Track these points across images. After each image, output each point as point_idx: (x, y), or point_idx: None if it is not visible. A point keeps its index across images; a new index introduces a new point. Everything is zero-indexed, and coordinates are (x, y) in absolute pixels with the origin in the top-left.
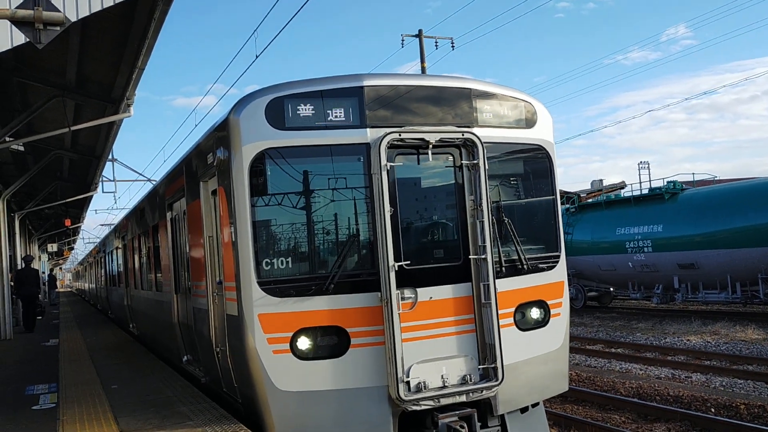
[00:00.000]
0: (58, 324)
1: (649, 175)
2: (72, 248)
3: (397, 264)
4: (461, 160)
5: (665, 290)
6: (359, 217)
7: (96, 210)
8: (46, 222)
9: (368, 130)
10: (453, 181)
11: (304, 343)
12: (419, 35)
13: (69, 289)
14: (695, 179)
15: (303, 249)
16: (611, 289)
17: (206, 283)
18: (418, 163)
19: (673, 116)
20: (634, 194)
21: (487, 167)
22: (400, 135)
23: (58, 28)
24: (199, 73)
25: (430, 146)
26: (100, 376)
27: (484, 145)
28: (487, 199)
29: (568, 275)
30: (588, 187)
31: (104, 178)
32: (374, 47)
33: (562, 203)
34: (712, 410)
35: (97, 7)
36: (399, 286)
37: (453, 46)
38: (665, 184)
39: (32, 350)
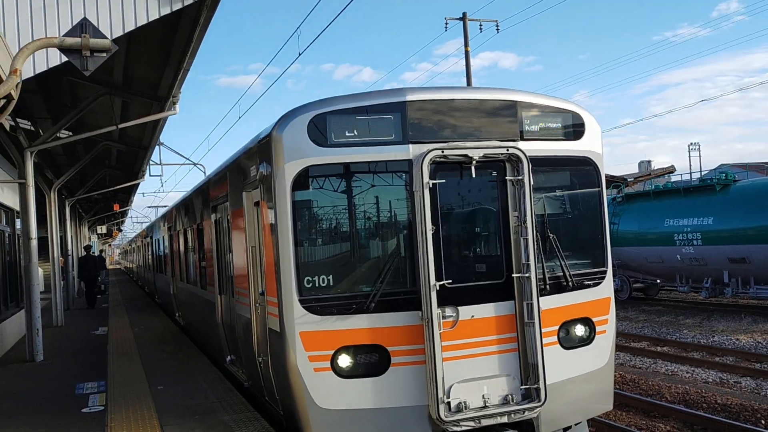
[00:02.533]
0: (107, 309)
1: (700, 157)
2: (120, 230)
3: (438, 283)
4: (505, 175)
5: (714, 284)
6: (400, 235)
7: (143, 193)
8: (96, 205)
9: (410, 146)
10: (496, 197)
11: (344, 361)
12: (463, 18)
13: (117, 266)
14: (748, 166)
15: (344, 267)
16: (658, 281)
17: (249, 291)
18: (461, 179)
19: (723, 95)
20: (683, 185)
21: (532, 182)
22: (443, 152)
23: (104, 55)
24: (244, 52)
25: (474, 162)
26: (147, 374)
27: (530, 159)
28: (531, 215)
29: (614, 266)
30: (635, 168)
31: (151, 162)
32: (417, 32)
33: (607, 189)
34: (762, 422)
35: (142, 21)
36: (440, 304)
37: (498, 29)
38: (716, 174)
39: (82, 339)
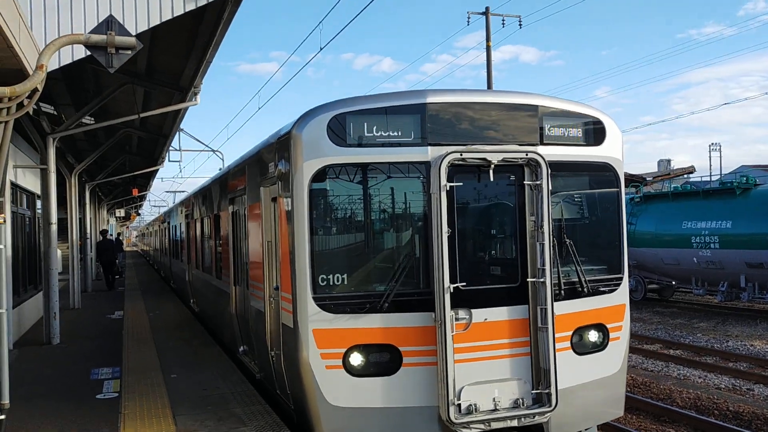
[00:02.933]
0: (123, 292)
1: (720, 158)
2: (138, 213)
3: (452, 286)
4: (524, 179)
5: (730, 288)
6: (416, 236)
7: (162, 178)
8: (115, 189)
9: (429, 148)
10: (514, 201)
11: (356, 359)
12: (486, 13)
13: (134, 248)
14: None
15: (359, 267)
16: (673, 282)
17: (264, 285)
18: (479, 182)
19: (747, 95)
20: (703, 187)
21: (550, 187)
22: (461, 155)
23: (129, 52)
24: (265, 39)
25: (492, 166)
26: (161, 361)
27: (549, 163)
28: (548, 220)
29: (630, 266)
30: (654, 166)
31: (171, 148)
32: (438, 24)
33: (626, 188)
34: None
35: (167, 16)
36: (454, 306)
37: (520, 24)
38: (737, 177)
39: (98, 323)
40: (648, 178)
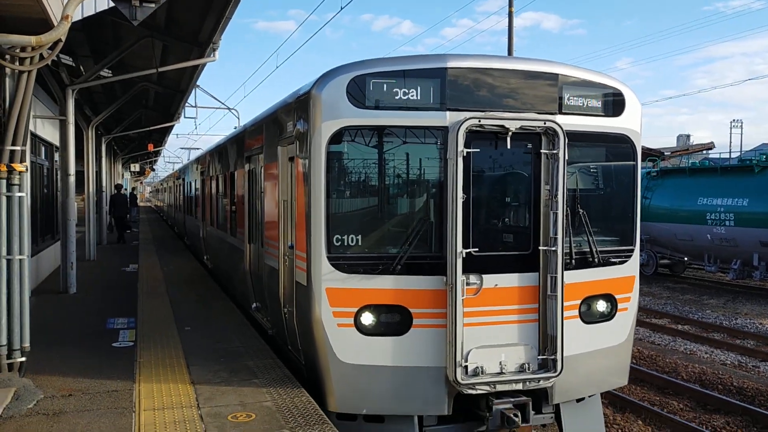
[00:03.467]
0: (137, 246)
1: (741, 135)
2: (153, 169)
3: (465, 251)
4: (541, 147)
5: (743, 266)
6: (431, 200)
7: (177, 134)
8: (131, 144)
9: (448, 113)
10: (530, 169)
11: (367, 319)
12: None
13: (148, 204)
14: None
15: (373, 228)
16: (685, 258)
17: (278, 243)
18: (496, 149)
19: None
20: (721, 163)
21: (566, 157)
22: (479, 121)
23: (153, 5)
24: None
25: (510, 133)
26: (175, 315)
27: (567, 133)
28: (563, 190)
29: (642, 241)
30: (673, 141)
31: (187, 105)
32: None
33: (643, 162)
34: None
35: None
36: (465, 271)
37: None
38: (756, 155)
39: (113, 275)
40: (666, 153)
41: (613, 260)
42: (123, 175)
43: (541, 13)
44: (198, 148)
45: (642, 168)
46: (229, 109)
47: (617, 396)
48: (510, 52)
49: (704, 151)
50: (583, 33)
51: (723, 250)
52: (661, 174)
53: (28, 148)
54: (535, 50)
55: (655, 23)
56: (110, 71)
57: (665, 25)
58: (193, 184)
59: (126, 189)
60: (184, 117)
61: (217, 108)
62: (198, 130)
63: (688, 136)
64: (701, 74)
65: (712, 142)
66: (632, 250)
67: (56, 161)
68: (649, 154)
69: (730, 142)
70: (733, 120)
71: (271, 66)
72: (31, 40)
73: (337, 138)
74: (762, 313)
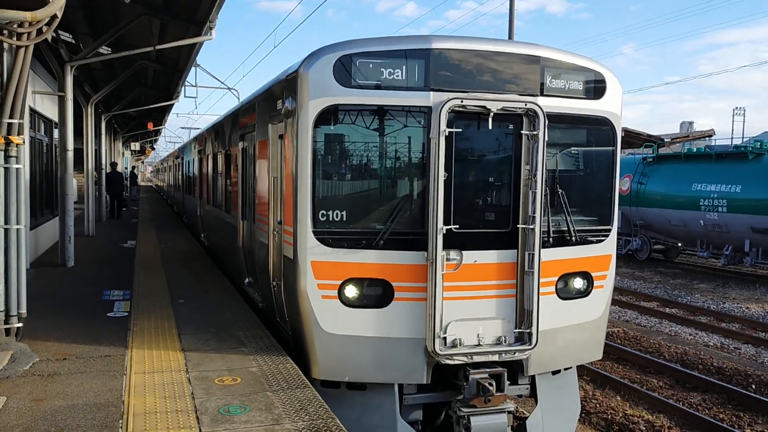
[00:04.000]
0: (136, 224)
1: (744, 123)
2: (153, 148)
3: (445, 227)
4: (522, 128)
5: (735, 252)
6: (414, 178)
7: (177, 114)
8: (131, 122)
9: (431, 93)
10: (511, 149)
11: (351, 291)
12: None
13: (149, 183)
14: None
15: (358, 204)
16: (679, 244)
17: (269, 219)
18: (478, 129)
19: None
20: (716, 150)
21: (546, 138)
22: (462, 101)
23: None
24: None
25: (491, 114)
26: (170, 288)
27: (547, 115)
28: (542, 170)
29: (637, 226)
30: (677, 128)
31: (186, 84)
32: None
33: (640, 148)
34: (752, 386)
35: None
36: (446, 247)
37: None
38: (751, 142)
39: (111, 250)
40: (666, 140)
41: (590, 239)
42: (123, 153)
43: None
44: (198, 128)
45: (639, 154)
46: (229, 88)
47: (598, 373)
48: (511, 36)
49: (705, 138)
50: (588, 17)
51: (715, 236)
52: (657, 160)
53: (26, 121)
54: (538, 33)
55: (662, 6)
56: (109, 48)
57: (671, 10)
58: (190, 163)
59: (126, 168)
60: (185, 96)
61: (216, 87)
62: (198, 109)
63: (691, 123)
64: (706, 60)
65: (712, 129)
66: (609, 230)
67: (55, 137)
68: (648, 140)
69: (732, 130)
70: (736, 107)
71: (269, 45)
72: (27, 15)
73: (323, 115)
74: (749, 298)
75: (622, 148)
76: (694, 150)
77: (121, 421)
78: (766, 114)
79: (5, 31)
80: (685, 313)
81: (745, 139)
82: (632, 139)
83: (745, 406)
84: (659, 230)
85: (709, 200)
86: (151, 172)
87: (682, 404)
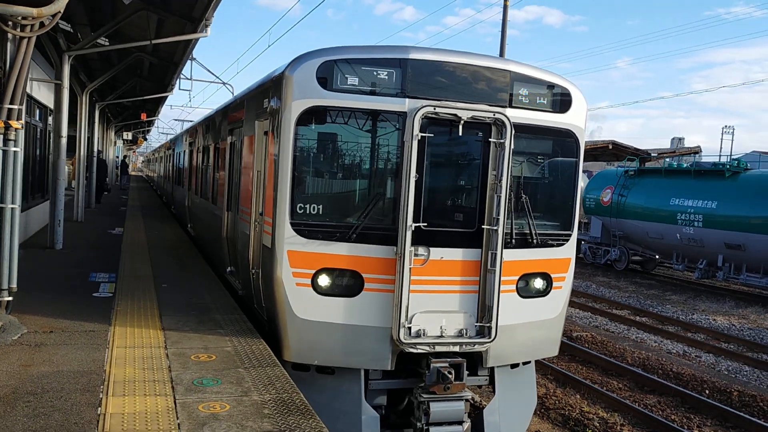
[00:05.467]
0: (125, 212)
1: (732, 141)
2: (146, 138)
3: (414, 225)
4: (490, 136)
5: (708, 266)
6: (387, 177)
7: (171, 105)
8: (125, 111)
9: (407, 100)
10: (479, 155)
11: (324, 280)
12: None
13: (140, 173)
14: None
15: (333, 199)
16: (656, 256)
17: (251, 211)
18: (450, 135)
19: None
20: (695, 166)
21: (512, 147)
22: (434, 109)
23: None
24: None
25: (462, 122)
26: (154, 273)
27: (514, 125)
28: (507, 176)
29: (617, 236)
30: (667, 143)
31: (182, 76)
32: None
33: (622, 161)
34: (706, 392)
35: None
36: (415, 243)
37: None
38: (730, 161)
39: (99, 236)
40: (653, 154)
41: (551, 243)
42: (115, 142)
43: (544, 7)
44: (191, 120)
45: (621, 167)
46: (224, 83)
47: (561, 372)
48: (502, 45)
49: (692, 155)
50: (585, 30)
51: (691, 250)
52: (638, 173)
53: (24, 107)
54: (535, 45)
55: (657, 24)
56: (107, 40)
57: (666, 26)
58: (181, 155)
59: (117, 156)
60: (179, 89)
61: (211, 82)
62: (192, 102)
63: (681, 139)
64: (699, 78)
65: (698, 147)
66: (570, 235)
67: (50, 123)
68: (635, 154)
69: (720, 148)
70: (725, 126)
71: (267, 42)
72: (33, 12)
73: (305, 116)
74: (718, 311)
75: (610, 161)
76: (674, 165)
77: (102, 387)
78: (755, 134)
79: (9, 23)
80: (654, 322)
81: (732, 157)
82: (620, 152)
83: (697, 409)
84: (637, 242)
85: (686, 215)
86: (143, 162)
87: (638, 405)
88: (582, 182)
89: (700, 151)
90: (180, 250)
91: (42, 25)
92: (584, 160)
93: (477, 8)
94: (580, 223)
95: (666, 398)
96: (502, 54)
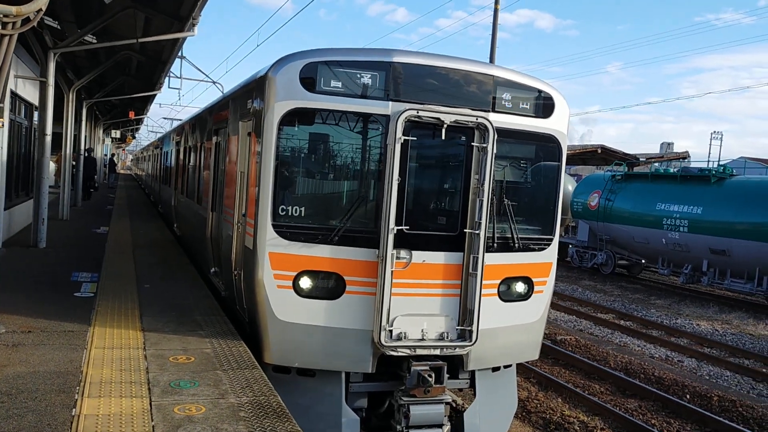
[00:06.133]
0: (111, 211)
1: (720, 147)
2: (134, 137)
3: (396, 228)
4: (473, 141)
5: (693, 271)
6: (371, 181)
7: (160, 104)
8: (113, 110)
9: (390, 103)
10: (462, 159)
11: (305, 282)
12: None
13: (128, 172)
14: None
15: (316, 202)
16: (642, 261)
17: (234, 212)
18: (433, 139)
19: (759, 87)
20: (681, 172)
21: (495, 151)
22: (418, 112)
23: None
24: None
25: (445, 126)
26: (137, 274)
27: (497, 130)
28: (489, 180)
29: (603, 241)
30: (657, 147)
31: (171, 74)
32: None
33: (609, 165)
34: (687, 396)
35: None
36: (397, 246)
37: None
38: (715, 166)
39: (83, 235)
40: (642, 159)
41: (532, 247)
42: (103, 140)
43: (536, 11)
44: (180, 119)
45: (608, 171)
46: (213, 81)
47: (543, 376)
48: (492, 49)
49: (680, 160)
50: (576, 34)
51: (676, 255)
52: (625, 178)
53: (6, 106)
54: (526, 48)
55: (647, 29)
56: (94, 37)
57: (656, 31)
58: (168, 153)
59: (105, 154)
60: (168, 87)
61: (200, 80)
62: (182, 101)
63: (670, 144)
64: (688, 84)
65: (686, 152)
66: (551, 240)
67: (35, 121)
68: (624, 158)
69: (709, 153)
70: (714, 131)
71: (257, 41)
72: (12, 10)
73: (288, 117)
74: (702, 316)
75: (599, 165)
76: (661, 170)
77: (78, 388)
78: (744, 139)
79: None
80: (638, 326)
81: (721, 163)
82: (609, 156)
83: (677, 414)
84: (624, 246)
85: (672, 220)
86: (131, 160)
87: (619, 409)
88: (570, 186)
89: (689, 156)
90: (165, 251)
91: (25, 22)
92: (573, 164)
93: (469, 11)
94: (567, 226)
95: (647, 402)
96: (492, 57)
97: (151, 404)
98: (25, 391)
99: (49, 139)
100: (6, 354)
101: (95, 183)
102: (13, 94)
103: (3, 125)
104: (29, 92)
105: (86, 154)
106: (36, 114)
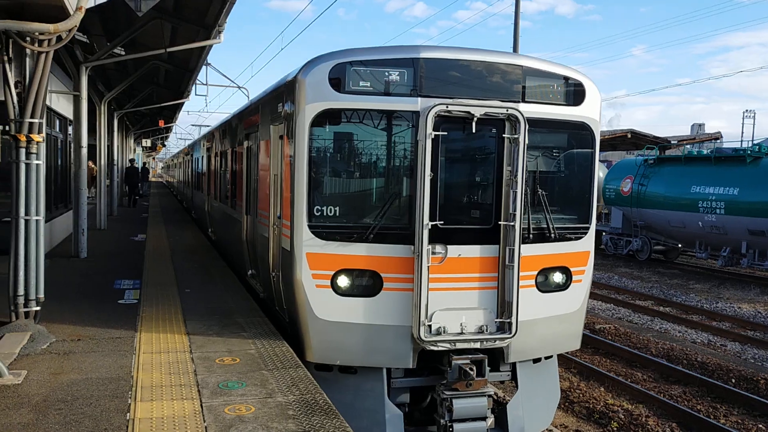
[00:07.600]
0: (146, 218)
1: (754, 125)
2: (164, 144)
3: (431, 223)
4: (504, 132)
5: (732, 254)
6: (403, 177)
7: (188, 111)
8: (143, 119)
9: (419, 99)
10: (494, 151)
11: (343, 281)
12: None
13: (159, 179)
14: None
15: (350, 201)
16: (679, 245)
17: (269, 214)
18: (464, 132)
19: None
20: (715, 153)
21: (527, 142)
22: (447, 107)
23: None
24: None
25: (475, 119)
26: (177, 279)
27: (528, 120)
28: (522, 171)
29: (638, 226)
30: (687, 129)
31: (198, 82)
32: None
33: (641, 150)
34: (732, 381)
35: None
36: (432, 241)
37: None
38: (750, 146)
39: (122, 243)
40: (673, 142)
41: (569, 236)
42: (135, 149)
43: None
44: (208, 125)
45: (640, 155)
46: (239, 87)
47: (584, 366)
48: (516, 37)
49: (712, 141)
50: (598, 18)
51: (713, 238)
52: (658, 162)
53: (44, 120)
54: (547, 35)
55: (672, 9)
56: (123, 49)
57: (681, 12)
58: (199, 160)
59: (138, 163)
60: (195, 94)
61: (227, 86)
62: (208, 107)
63: (701, 125)
64: (718, 63)
65: (719, 132)
66: (588, 228)
67: (70, 134)
68: (654, 142)
69: (742, 132)
70: (746, 110)
71: (280, 44)
72: (50, 28)
73: (319, 118)
74: (743, 298)
75: (629, 150)
76: (694, 152)
77: (130, 392)
78: None
79: (27, 38)
80: (678, 311)
81: (754, 142)
82: (639, 140)
83: (723, 398)
84: (659, 231)
85: (708, 202)
86: (162, 168)
87: (663, 396)
88: (601, 173)
89: (721, 137)
90: (202, 256)
91: (59, 39)
92: (603, 150)
93: (488, 1)
94: (600, 213)
95: (691, 388)
96: (515, 46)
97: (201, 405)
98: (80, 398)
99: (85, 151)
100: (59, 362)
101: (140, 190)
102: (49, 109)
103: (43, 140)
104: (63, 106)
105: (129, 164)
106: (70, 128)
